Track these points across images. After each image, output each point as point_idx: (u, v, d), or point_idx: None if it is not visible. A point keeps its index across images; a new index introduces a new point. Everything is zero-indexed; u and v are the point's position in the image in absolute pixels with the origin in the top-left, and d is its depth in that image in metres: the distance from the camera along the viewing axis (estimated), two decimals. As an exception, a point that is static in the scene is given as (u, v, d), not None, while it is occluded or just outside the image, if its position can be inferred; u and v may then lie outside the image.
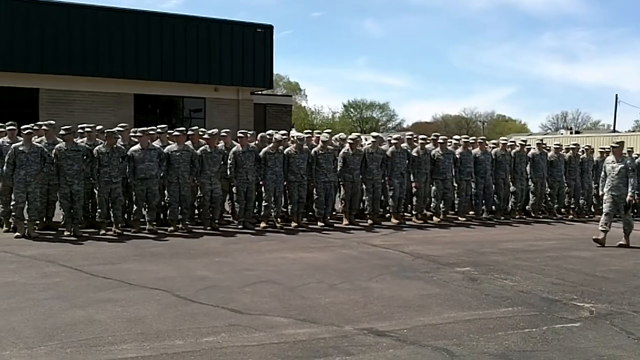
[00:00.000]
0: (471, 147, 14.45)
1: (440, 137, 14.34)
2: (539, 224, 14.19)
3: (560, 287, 7.52)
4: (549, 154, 15.35)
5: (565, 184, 15.39)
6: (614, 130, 48.95)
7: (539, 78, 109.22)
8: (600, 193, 11.55)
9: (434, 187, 13.85)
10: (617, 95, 77.61)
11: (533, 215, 15.18)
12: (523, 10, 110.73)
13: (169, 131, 12.38)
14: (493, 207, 14.76)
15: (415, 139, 14.30)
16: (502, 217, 14.57)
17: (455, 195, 14.32)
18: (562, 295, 7.13)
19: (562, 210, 15.63)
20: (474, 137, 15.35)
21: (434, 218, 13.91)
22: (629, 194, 10.88)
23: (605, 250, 10.48)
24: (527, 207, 15.28)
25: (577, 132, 45.04)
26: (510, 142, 15.22)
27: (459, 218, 14.21)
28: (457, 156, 14.02)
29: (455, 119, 79.43)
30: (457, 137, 15.13)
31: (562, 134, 45.53)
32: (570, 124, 69.84)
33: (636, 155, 16.04)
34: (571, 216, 15.34)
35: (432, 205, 14.08)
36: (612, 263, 9.37)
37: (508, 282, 7.74)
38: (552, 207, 15.50)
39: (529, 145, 15.73)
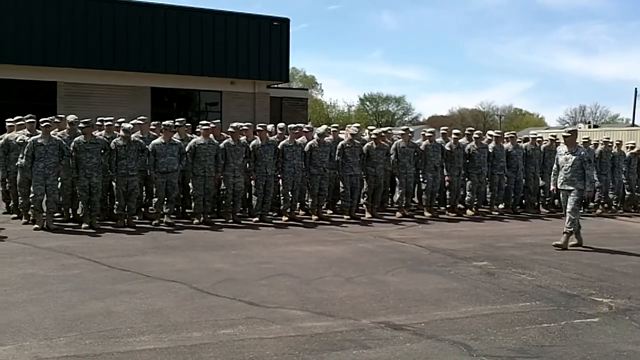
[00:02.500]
0: (503, 142, 14.56)
1: (475, 131, 14.49)
2: (560, 218, 14.10)
3: (578, 282, 7.46)
4: None
5: (596, 179, 15.33)
6: (633, 124, 48.45)
7: (557, 71, 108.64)
8: (551, 188, 10.51)
9: (468, 182, 13.92)
10: (636, 88, 76.51)
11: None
12: (539, 4, 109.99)
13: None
14: (523, 200, 14.92)
15: (448, 132, 14.38)
16: (532, 211, 14.64)
17: (488, 189, 14.39)
18: (581, 290, 7.07)
19: (591, 204, 15.54)
20: (508, 132, 15.53)
21: (468, 211, 13.92)
22: (587, 189, 9.85)
23: (624, 245, 10.36)
24: (555, 201, 15.23)
25: (595, 126, 44.62)
26: (539, 137, 15.30)
27: (492, 212, 14.19)
28: (491, 150, 14.05)
29: (472, 113, 79.15)
30: (491, 132, 15.39)
31: (580, 128, 45.12)
32: (589, 117, 69.28)
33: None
34: (599, 210, 15.25)
35: (466, 199, 14.15)
36: (631, 258, 9.28)
37: (526, 276, 7.69)
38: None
39: (559, 140, 15.69)
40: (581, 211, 10.85)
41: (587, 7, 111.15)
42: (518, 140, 15.15)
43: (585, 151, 10.11)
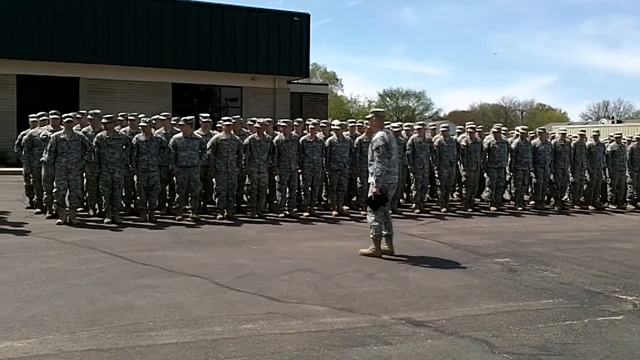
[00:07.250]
0: (529, 138, 14.49)
1: (495, 126, 14.45)
2: (590, 214, 13.96)
3: (602, 279, 7.37)
4: (611, 144, 15.13)
5: (627, 175, 15.16)
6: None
7: (580, 66, 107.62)
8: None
9: (487, 177, 13.86)
10: (661, 83, 75.71)
11: (588, 206, 14.91)
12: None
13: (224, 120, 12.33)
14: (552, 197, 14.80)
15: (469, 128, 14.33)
16: (560, 207, 14.50)
17: (512, 185, 14.33)
18: (604, 287, 6.99)
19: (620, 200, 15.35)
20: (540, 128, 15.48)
21: (491, 208, 13.84)
22: (372, 185, 8.15)
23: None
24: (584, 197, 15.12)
25: (619, 122, 44.13)
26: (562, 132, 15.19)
27: (517, 208, 14.10)
28: (514, 146, 13.99)
29: (493, 108, 78.59)
30: (518, 127, 15.34)
31: (603, 123, 44.61)
32: (612, 113, 68.50)
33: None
34: (633, 207, 15.07)
35: (485, 195, 14.15)
36: (656, 255, 9.14)
37: (548, 273, 7.62)
38: (613, 198, 15.23)
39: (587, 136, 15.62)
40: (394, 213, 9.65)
41: (612, 1, 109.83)
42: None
43: (379, 137, 8.11)
